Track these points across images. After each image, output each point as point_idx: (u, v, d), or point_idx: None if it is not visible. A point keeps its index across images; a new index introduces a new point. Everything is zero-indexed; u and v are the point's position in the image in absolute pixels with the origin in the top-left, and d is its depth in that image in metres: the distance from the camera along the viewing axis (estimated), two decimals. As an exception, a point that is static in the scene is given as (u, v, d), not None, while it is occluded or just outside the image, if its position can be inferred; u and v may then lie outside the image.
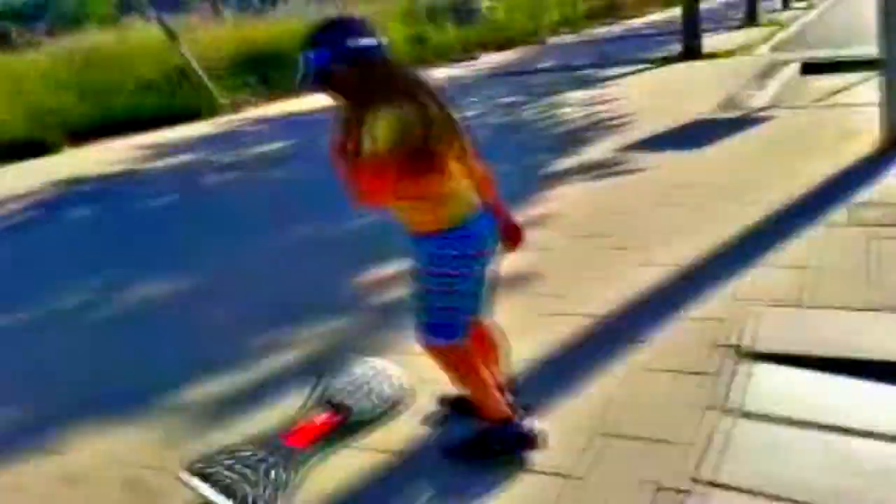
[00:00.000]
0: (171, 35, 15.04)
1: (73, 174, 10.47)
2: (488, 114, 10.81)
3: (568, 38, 24.02)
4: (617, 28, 26.09)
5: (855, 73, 10.08)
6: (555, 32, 25.08)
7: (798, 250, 4.51)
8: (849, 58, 12.08)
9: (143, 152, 11.80)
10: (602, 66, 15.04)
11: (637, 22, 27.46)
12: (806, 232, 4.78)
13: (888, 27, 6.46)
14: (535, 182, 6.87)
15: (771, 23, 18.94)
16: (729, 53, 14.49)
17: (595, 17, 28.50)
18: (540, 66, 16.88)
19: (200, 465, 2.70)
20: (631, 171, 6.90)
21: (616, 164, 7.25)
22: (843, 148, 6.60)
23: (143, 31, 17.24)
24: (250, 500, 2.53)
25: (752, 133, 7.84)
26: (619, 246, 5.00)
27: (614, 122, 9.21)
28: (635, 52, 16.22)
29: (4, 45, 20.72)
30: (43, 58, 16.14)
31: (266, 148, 10.66)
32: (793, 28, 18.41)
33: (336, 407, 3.00)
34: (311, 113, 11.46)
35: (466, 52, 21.55)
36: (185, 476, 2.65)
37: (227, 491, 2.56)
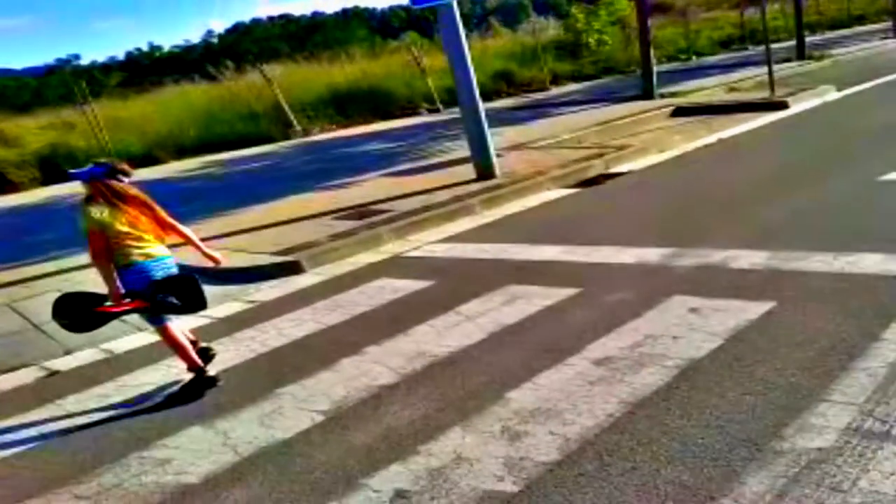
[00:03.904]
0: (268, 80, 21.18)
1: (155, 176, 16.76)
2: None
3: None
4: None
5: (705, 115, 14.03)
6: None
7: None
8: (708, 104, 15.06)
9: (207, 162, 17.92)
10: (582, 101, 18.69)
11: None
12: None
13: (461, 103, 10.38)
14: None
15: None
16: (676, 94, 17.42)
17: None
18: (560, 100, 20.63)
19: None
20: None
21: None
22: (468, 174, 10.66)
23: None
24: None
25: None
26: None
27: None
28: (625, 90, 19.42)
29: (208, 78, 28.44)
30: (198, 90, 23.17)
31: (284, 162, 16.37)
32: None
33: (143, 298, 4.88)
34: (353, 136, 17.90)
35: (554, 83, 25.44)
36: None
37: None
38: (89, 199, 4.86)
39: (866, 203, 7.17)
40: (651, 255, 6.44)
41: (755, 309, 4.92)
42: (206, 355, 5.22)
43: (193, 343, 5.19)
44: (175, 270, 5.06)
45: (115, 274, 4.87)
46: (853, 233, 6.30)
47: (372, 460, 3.82)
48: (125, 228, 4.83)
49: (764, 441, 3.43)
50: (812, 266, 5.60)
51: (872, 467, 3.14)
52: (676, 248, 6.46)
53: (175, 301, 4.88)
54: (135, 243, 4.86)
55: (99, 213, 4.80)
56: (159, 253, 4.98)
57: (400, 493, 3.48)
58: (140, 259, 4.86)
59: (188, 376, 5.14)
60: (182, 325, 5.22)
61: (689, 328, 4.78)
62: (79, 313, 5.05)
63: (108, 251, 4.82)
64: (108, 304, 4.93)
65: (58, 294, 5.48)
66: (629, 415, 3.86)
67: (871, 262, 5.50)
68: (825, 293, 5.11)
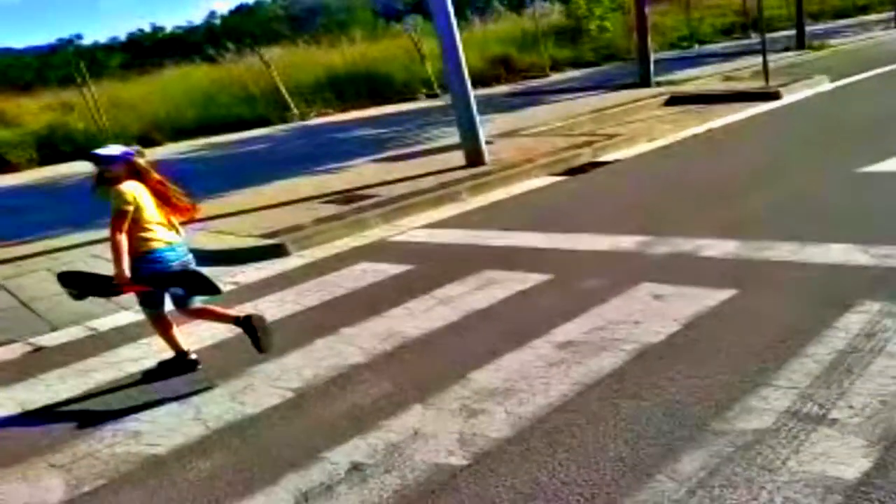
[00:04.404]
0: (266, 64, 21.30)
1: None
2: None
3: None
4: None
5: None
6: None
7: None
8: (702, 93, 15.19)
9: (203, 145, 18.09)
10: (579, 88, 18.84)
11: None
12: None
13: (452, 91, 10.51)
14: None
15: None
16: (672, 82, 17.54)
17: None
18: (558, 87, 20.73)
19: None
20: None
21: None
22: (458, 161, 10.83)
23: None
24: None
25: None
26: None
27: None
28: (623, 77, 19.52)
29: (208, 60, 28.61)
30: (198, 72, 23.32)
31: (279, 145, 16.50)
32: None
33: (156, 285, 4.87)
34: (349, 120, 18.12)
35: (553, 69, 25.53)
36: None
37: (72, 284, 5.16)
38: (112, 180, 4.76)
39: (842, 194, 7.32)
40: (626, 242, 6.60)
41: (717, 296, 5.08)
42: (252, 324, 4.91)
43: (237, 318, 4.98)
44: (189, 257, 5.01)
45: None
46: (824, 223, 6.45)
47: (334, 435, 3.99)
48: (153, 211, 4.83)
49: (705, 422, 3.60)
50: (778, 255, 5.76)
51: (804, 449, 3.30)
52: (651, 237, 6.62)
53: (181, 292, 4.89)
54: (158, 226, 4.84)
55: (136, 193, 4.75)
56: (175, 240, 4.94)
57: (356, 466, 3.66)
58: (160, 246, 4.81)
59: (168, 354, 5.26)
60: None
61: (652, 314, 4.95)
62: (84, 287, 5.12)
63: (129, 234, 4.70)
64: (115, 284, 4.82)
65: (50, 273, 5.52)
66: (582, 395, 4.03)
67: (836, 252, 5.64)
68: (787, 282, 5.27)
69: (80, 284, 5.16)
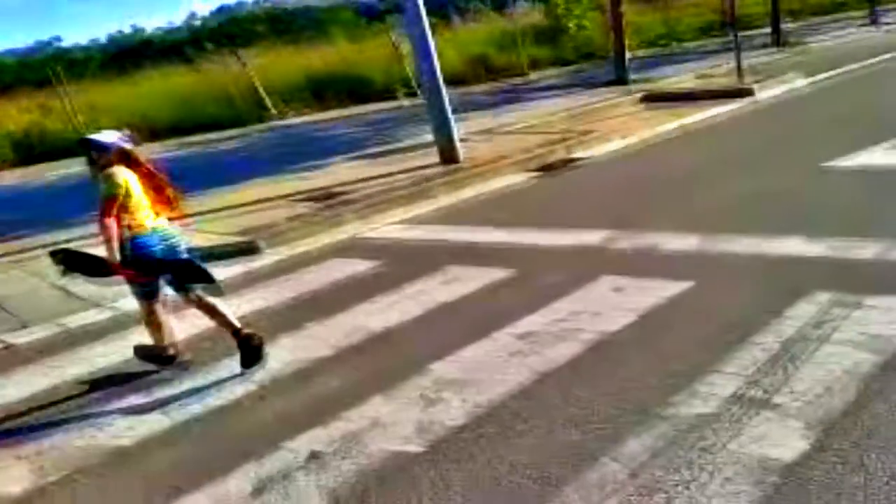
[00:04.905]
0: (243, 64, 21.35)
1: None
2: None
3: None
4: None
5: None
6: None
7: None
8: (677, 91, 15.33)
9: (177, 144, 18.13)
10: (556, 87, 19.01)
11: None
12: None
13: (426, 90, 10.62)
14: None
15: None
16: (648, 80, 17.71)
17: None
18: (536, 85, 20.89)
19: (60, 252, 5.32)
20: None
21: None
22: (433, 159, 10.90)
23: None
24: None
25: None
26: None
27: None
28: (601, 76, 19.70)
29: (188, 62, 28.70)
30: (177, 74, 23.34)
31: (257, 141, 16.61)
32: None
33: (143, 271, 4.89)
34: (328, 119, 18.26)
35: (533, 68, 25.68)
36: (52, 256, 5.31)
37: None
38: (104, 166, 4.79)
39: (805, 189, 7.47)
40: (591, 237, 6.73)
41: (673, 288, 5.22)
42: (250, 345, 4.90)
43: (237, 331, 4.96)
44: (175, 241, 5.05)
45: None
46: (786, 217, 6.61)
47: (295, 425, 4.10)
48: (141, 197, 4.85)
49: (652, 407, 3.73)
50: (737, 248, 5.90)
51: (745, 432, 3.44)
52: (616, 231, 6.75)
53: (173, 280, 4.95)
54: (143, 214, 4.85)
55: (127, 178, 4.77)
56: (159, 226, 4.95)
57: (314, 454, 3.77)
58: (143, 232, 4.83)
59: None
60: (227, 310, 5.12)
61: (610, 306, 5.08)
62: (74, 265, 5.15)
63: (116, 219, 4.71)
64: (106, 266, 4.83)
65: (22, 272, 5.57)
66: (537, 383, 4.16)
67: (792, 245, 5.79)
68: (743, 273, 5.42)
69: (70, 262, 5.18)
